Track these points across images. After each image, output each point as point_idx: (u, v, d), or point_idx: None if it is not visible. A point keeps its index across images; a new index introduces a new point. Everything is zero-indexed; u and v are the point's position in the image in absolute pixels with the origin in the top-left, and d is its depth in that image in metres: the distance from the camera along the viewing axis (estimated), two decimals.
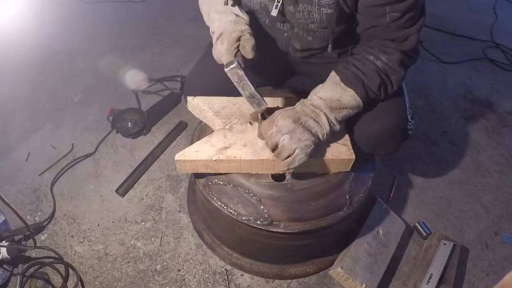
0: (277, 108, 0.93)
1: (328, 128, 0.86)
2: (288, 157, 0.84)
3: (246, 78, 0.85)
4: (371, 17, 0.85)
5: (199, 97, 1.03)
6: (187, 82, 1.15)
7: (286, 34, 1.03)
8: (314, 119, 0.86)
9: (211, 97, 1.04)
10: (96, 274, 1.18)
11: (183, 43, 2.15)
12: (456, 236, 1.33)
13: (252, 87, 0.86)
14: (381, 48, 0.86)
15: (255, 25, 1.09)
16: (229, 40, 0.89)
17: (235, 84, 0.87)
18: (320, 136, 0.87)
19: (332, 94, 0.87)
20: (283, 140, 0.83)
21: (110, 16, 2.35)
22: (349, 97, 0.86)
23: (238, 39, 0.89)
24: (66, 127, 1.64)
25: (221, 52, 0.90)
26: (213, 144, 0.92)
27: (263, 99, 0.88)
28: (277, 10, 0.90)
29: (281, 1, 0.89)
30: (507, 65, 2.13)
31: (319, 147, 0.90)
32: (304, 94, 1.14)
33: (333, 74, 0.90)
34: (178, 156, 0.90)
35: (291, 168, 0.86)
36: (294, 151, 0.83)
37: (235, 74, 0.85)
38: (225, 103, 1.03)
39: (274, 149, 0.87)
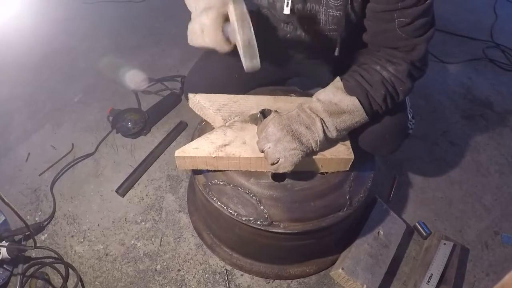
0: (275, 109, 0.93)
1: (322, 134, 0.85)
2: (273, 163, 0.85)
3: (250, 20, 0.74)
4: (379, 23, 0.83)
5: (200, 94, 1.04)
6: (187, 80, 1.15)
7: (288, 35, 1.03)
8: (307, 126, 0.85)
9: (212, 95, 1.04)
10: (96, 274, 1.18)
11: (183, 43, 2.11)
12: (456, 236, 1.33)
13: (252, 32, 0.74)
14: (388, 59, 0.85)
15: (258, 25, 1.09)
16: (218, 11, 0.78)
17: (235, 24, 0.75)
18: (313, 144, 0.86)
19: (332, 98, 0.86)
20: (268, 148, 0.84)
21: (110, 16, 2.35)
22: (349, 102, 0.85)
23: (227, 16, 0.79)
24: (66, 127, 1.64)
25: (205, 24, 0.78)
26: (212, 141, 0.93)
27: (259, 55, 0.76)
28: (288, 8, 0.88)
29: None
30: (507, 65, 2.13)
31: (311, 155, 0.90)
32: (305, 94, 1.14)
33: (337, 79, 0.89)
34: (178, 153, 0.90)
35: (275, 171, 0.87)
36: (278, 160, 0.83)
37: (239, 8, 0.74)
38: (226, 100, 1.03)
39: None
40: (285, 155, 0.83)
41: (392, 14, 0.79)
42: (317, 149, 0.88)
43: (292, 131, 0.84)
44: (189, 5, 0.90)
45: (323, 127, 0.85)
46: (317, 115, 0.85)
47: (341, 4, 0.85)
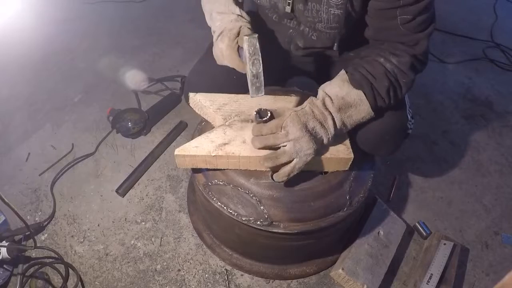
0: (275, 109, 0.94)
1: (333, 131, 0.86)
2: (285, 163, 0.84)
3: (260, 55, 0.82)
4: (382, 20, 0.85)
5: (200, 93, 1.04)
6: (187, 81, 1.16)
7: (291, 30, 1.03)
8: (322, 124, 0.85)
9: (213, 94, 1.05)
10: (96, 274, 1.18)
11: (183, 43, 2.15)
12: (456, 236, 1.33)
13: (262, 66, 0.83)
14: (391, 51, 0.86)
15: (260, 20, 1.09)
16: (229, 36, 0.89)
17: (246, 56, 0.83)
18: (325, 141, 0.87)
19: (338, 91, 0.86)
20: (286, 146, 0.83)
21: (110, 16, 2.35)
22: (355, 96, 0.86)
23: (238, 35, 0.89)
24: (66, 127, 1.64)
25: (222, 49, 0.90)
26: (212, 140, 0.93)
27: (264, 87, 0.85)
28: (290, 7, 0.92)
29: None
30: (507, 65, 2.13)
31: (320, 152, 0.90)
32: (305, 94, 1.14)
33: (342, 72, 0.89)
34: (178, 151, 0.91)
35: (287, 176, 0.86)
36: (293, 160, 0.83)
37: (253, 45, 0.82)
38: (226, 100, 1.03)
39: (269, 148, 0.86)
40: (300, 155, 0.83)
41: (394, 12, 0.81)
42: (327, 145, 0.89)
43: (309, 130, 0.84)
44: (210, 25, 1.00)
45: (334, 124, 0.86)
46: (329, 111, 0.86)
47: (341, 3, 0.86)
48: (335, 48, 0.98)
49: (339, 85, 0.87)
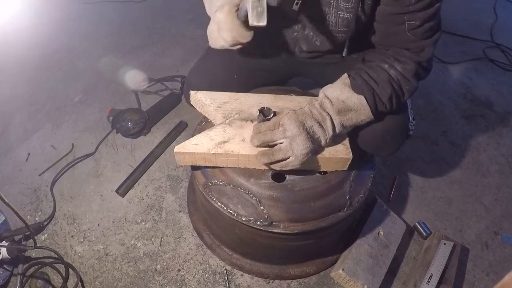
0: (274, 109, 0.94)
1: (331, 133, 0.86)
2: (281, 160, 0.85)
3: None
4: (389, 25, 0.85)
5: (201, 91, 1.04)
6: (187, 80, 1.16)
7: (295, 34, 1.02)
8: (320, 124, 0.85)
9: (213, 92, 1.05)
10: (96, 274, 1.18)
11: (183, 43, 2.15)
12: (456, 236, 1.33)
13: None
14: (396, 57, 0.86)
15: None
16: (229, 3, 0.81)
17: None
18: (323, 142, 0.87)
19: (339, 94, 0.86)
20: (283, 143, 0.84)
21: (110, 16, 2.35)
22: (356, 100, 0.86)
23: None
24: (66, 127, 1.64)
25: (221, 18, 0.81)
26: (212, 138, 0.93)
27: (266, 15, 0.72)
28: (297, 6, 0.89)
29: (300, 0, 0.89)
30: (507, 65, 2.13)
31: (317, 152, 0.90)
32: (305, 94, 1.14)
33: (345, 75, 0.90)
34: (178, 149, 0.91)
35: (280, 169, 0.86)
36: (289, 157, 0.83)
37: None
38: (226, 98, 1.04)
39: (266, 145, 0.87)
40: (296, 154, 0.83)
41: (402, 17, 0.81)
42: (324, 146, 0.89)
43: (307, 128, 0.84)
44: (209, 11, 0.93)
45: (333, 125, 0.86)
46: (327, 113, 0.86)
47: (352, 7, 0.86)
48: (344, 53, 0.97)
49: (340, 89, 0.87)
